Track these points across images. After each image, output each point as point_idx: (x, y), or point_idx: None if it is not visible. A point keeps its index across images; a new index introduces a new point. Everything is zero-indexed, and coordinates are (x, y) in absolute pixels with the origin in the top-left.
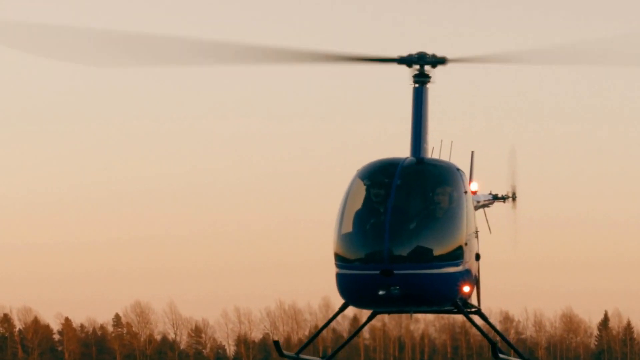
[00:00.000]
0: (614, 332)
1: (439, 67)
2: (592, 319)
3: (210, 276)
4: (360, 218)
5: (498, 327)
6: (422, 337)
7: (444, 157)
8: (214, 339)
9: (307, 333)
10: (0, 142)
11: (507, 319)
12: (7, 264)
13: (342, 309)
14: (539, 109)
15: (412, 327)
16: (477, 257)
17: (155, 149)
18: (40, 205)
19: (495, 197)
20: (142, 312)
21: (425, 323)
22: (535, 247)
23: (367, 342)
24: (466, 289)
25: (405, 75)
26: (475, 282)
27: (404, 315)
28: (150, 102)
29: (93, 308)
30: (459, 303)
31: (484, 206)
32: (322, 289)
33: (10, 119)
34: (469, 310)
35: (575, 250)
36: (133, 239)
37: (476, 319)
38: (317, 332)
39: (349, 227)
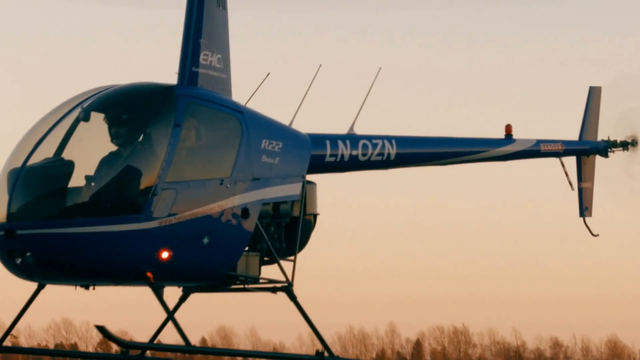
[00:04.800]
0: None
1: None
2: (635, 345)
3: (288, 303)
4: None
5: (548, 352)
6: None
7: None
8: None
9: (374, 355)
10: None
11: (556, 344)
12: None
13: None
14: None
15: (469, 351)
16: (246, 213)
17: None
18: None
19: (613, 144)
20: (226, 336)
21: (482, 348)
22: (585, 282)
23: None
24: (164, 254)
25: None
26: (234, 243)
27: (462, 340)
28: None
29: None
30: (149, 276)
31: (580, 153)
32: (388, 315)
33: None
34: (274, 287)
35: (619, 283)
36: None
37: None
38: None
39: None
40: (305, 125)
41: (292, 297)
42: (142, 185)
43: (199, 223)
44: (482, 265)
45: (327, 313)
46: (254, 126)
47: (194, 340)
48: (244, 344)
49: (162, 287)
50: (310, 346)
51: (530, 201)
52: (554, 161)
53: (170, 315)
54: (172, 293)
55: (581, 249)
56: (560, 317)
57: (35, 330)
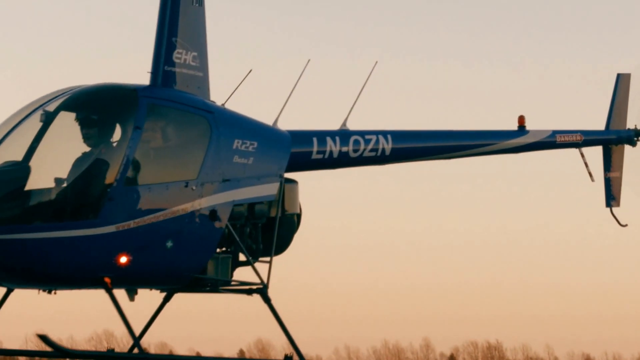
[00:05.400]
0: None
1: None
2: None
3: (324, 317)
4: None
5: None
6: None
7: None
8: None
9: None
10: None
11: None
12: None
13: None
14: None
15: None
16: (214, 215)
17: None
18: None
19: (638, 133)
20: (263, 348)
21: None
22: (617, 298)
23: None
24: (123, 259)
25: None
26: (202, 246)
27: (496, 355)
28: None
29: (220, 344)
30: (106, 281)
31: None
32: (423, 330)
33: None
34: (247, 288)
35: None
36: None
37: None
38: None
39: None
40: (296, 122)
41: (266, 300)
42: (98, 190)
43: (161, 226)
44: (515, 281)
45: (363, 327)
46: (225, 126)
47: (231, 353)
48: (281, 356)
49: (135, 290)
50: (346, 359)
51: (562, 217)
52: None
53: (123, 317)
54: (156, 294)
55: (614, 265)
56: (592, 333)
57: (77, 340)
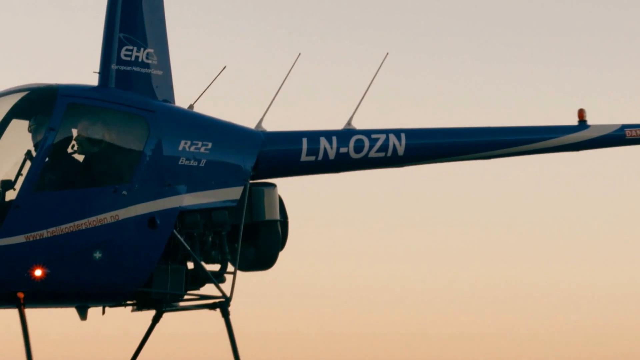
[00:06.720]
0: None
1: None
2: None
3: None
4: None
5: None
6: None
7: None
8: None
9: None
10: None
11: None
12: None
13: None
14: None
15: None
16: (153, 223)
17: None
18: None
19: None
20: None
21: None
22: None
23: None
24: (37, 272)
25: None
26: (140, 256)
27: None
28: None
29: None
30: (19, 296)
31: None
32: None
33: None
34: (209, 302)
35: None
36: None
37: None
38: None
39: None
40: (291, 123)
41: (225, 314)
42: (2, 197)
43: (83, 236)
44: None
45: None
46: (168, 126)
47: None
48: None
49: (87, 307)
50: None
51: None
52: None
53: (26, 339)
54: (146, 315)
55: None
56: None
57: None
